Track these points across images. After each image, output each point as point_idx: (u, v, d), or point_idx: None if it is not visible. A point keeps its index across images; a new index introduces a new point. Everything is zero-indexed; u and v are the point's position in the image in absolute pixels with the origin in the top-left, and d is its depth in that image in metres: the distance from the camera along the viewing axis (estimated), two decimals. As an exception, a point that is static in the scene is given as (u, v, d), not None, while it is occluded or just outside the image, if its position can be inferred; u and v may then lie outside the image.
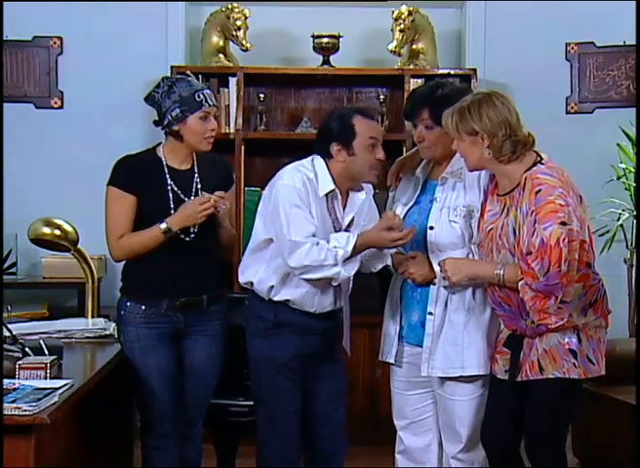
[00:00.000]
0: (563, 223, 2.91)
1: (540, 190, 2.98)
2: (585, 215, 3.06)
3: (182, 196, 3.41)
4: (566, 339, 3.04)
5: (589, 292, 3.07)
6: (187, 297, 3.41)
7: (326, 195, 3.30)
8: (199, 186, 3.44)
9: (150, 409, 3.43)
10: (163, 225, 3.34)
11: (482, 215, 3.19)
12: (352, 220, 3.35)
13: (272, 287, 3.33)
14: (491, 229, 3.12)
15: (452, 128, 3.06)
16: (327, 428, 3.47)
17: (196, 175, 3.47)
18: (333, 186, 3.29)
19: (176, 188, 3.41)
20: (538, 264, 2.91)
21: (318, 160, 3.33)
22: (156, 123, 3.46)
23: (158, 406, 3.41)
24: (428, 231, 3.27)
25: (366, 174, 3.30)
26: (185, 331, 3.45)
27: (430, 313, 3.26)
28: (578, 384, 3.11)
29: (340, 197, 3.33)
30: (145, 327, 3.41)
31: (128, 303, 3.45)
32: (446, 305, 3.25)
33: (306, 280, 3.26)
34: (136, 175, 3.41)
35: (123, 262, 3.53)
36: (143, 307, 3.41)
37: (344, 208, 3.35)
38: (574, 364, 3.04)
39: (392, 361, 3.39)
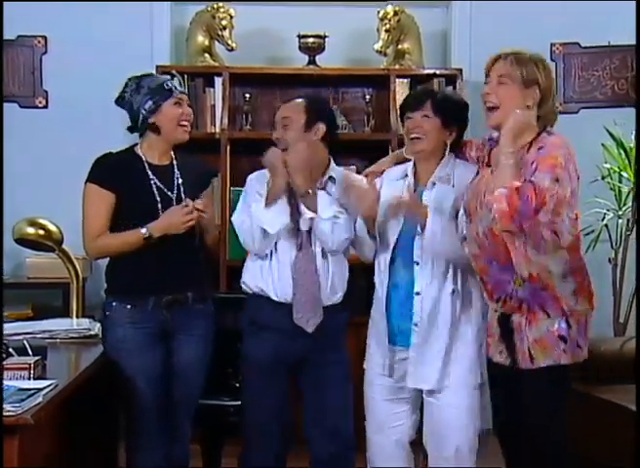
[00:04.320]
0: (556, 180, 2.85)
1: (542, 146, 2.94)
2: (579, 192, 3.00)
3: (166, 191, 3.41)
4: (555, 326, 3.02)
5: (572, 258, 3.02)
6: (173, 295, 3.39)
7: None
8: (180, 181, 3.45)
9: (135, 410, 3.41)
10: (144, 231, 3.33)
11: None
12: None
13: (251, 277, 3.40)
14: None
15: (509, 67, 2.94)
16: (332, 438, 3.40)
17: (176, 169, 3.47)
18: None
19: (159, 183, 3.41)
20: (525, 195, 2.80)
21: None
22: (131, 129, 3.49)
23: (143, 407, 3.39)
24: (416, 238, 3.26)
25: None
26: (172, 330, 3.43)
27: (415, 324, 3.26)
28: (567, 370, 3.09)
29: None
30: (132, 327, 3.39)
31: (114, 303, 3.43)
32: (432, 318, 3.23)
33: (264, 252, 3.35)
34: (115, 171, 3.41)
35: (106, 263, 3.53)
36: (129, 307, 3.40)
37: None
38: (563, 350, 3.03)
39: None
